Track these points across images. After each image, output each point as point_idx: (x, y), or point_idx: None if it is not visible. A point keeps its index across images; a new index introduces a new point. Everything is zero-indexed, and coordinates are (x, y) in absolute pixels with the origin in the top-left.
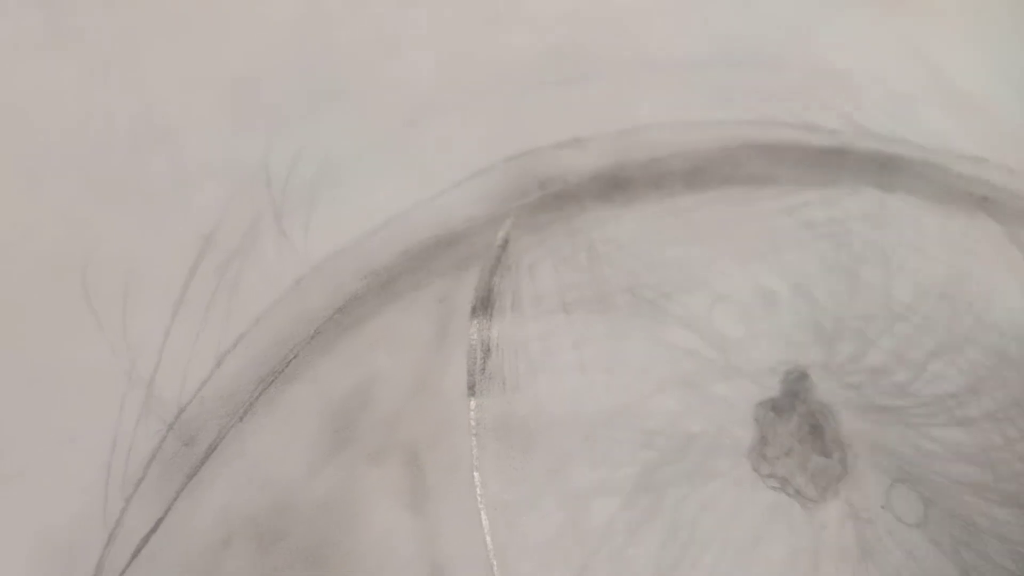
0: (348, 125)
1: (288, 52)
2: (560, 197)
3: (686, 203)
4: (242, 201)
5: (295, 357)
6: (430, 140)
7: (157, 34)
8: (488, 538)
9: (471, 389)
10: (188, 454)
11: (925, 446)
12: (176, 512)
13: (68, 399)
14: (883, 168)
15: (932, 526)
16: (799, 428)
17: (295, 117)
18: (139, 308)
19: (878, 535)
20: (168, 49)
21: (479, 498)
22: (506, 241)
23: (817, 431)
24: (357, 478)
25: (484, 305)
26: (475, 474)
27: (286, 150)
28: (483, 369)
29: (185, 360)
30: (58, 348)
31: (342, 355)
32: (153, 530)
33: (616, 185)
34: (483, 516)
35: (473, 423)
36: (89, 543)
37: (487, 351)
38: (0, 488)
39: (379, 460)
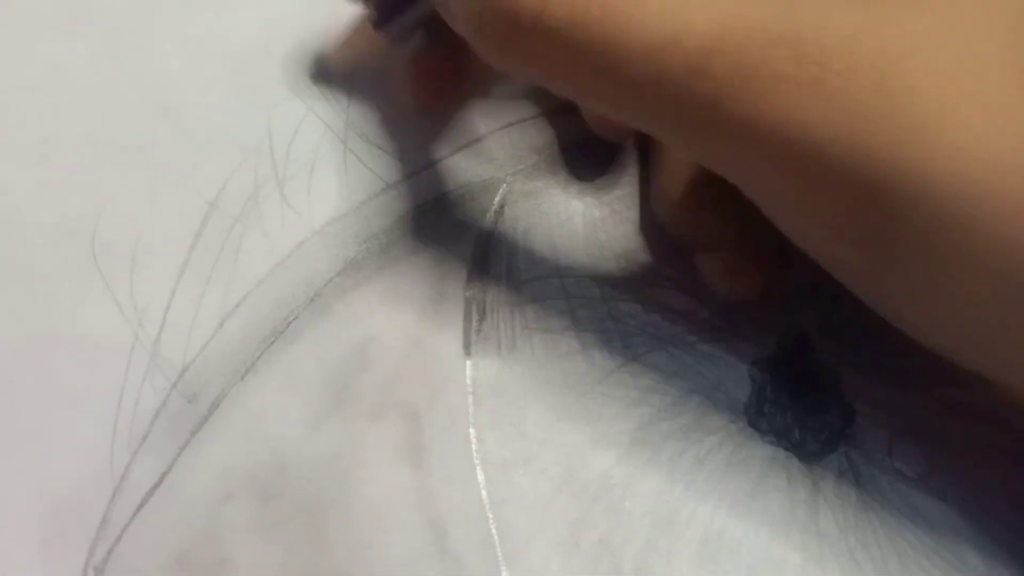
0: (349, 96)
1: (292, 24)
2: (556, 163)
3: None
4: (246, 169)
5: (295, 319)
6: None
7: (164, 10)
8: (484, 493)
9: (467, 349)
10: (191, 411)
11: (927, 404)
12: (179, 467)
13: (78, 358)
14: None
15: (936, 481)
16: (797, 385)
17: (298, 87)
18: (146, 271)
19: (879, 488)
20: (175, 24)
21: (475, 454)
22: (502, 207)
23: (816, 388)
24: (355, 436)
25: (480, 269)
26: (471, 431)
27: (289, 119)
28: (479, 330)
29: (189, 321)
30: (69, 310)
31: (341, 317)
32: (157, 484)
33: (612, 151)
34: (479, 472)
35: (469, 382)
36: (95, 497)
37: (483, 313)
38: (11, 444)
39: (377, 418)
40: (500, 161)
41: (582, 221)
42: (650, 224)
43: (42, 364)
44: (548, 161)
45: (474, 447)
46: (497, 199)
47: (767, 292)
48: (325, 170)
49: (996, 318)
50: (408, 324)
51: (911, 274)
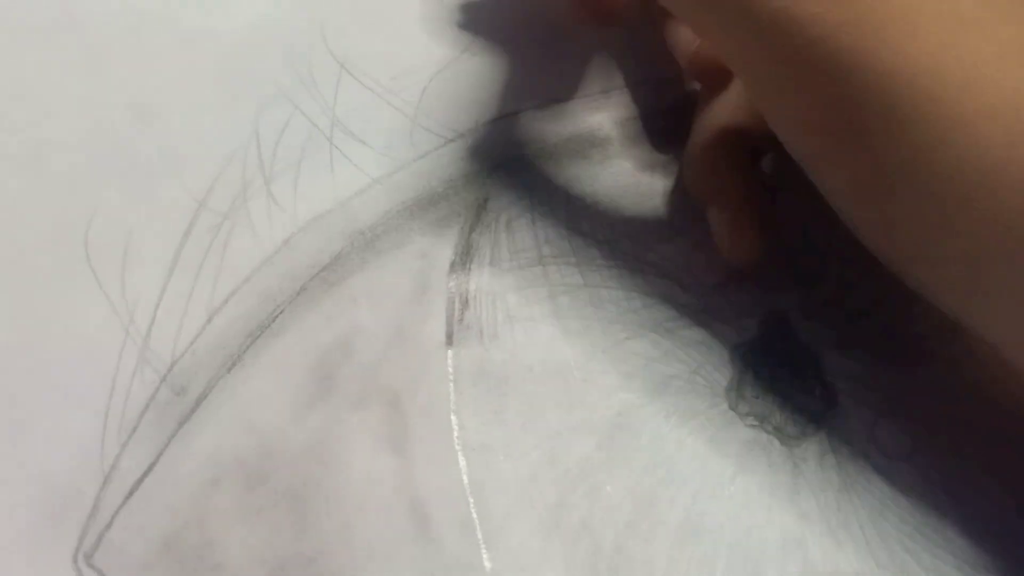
0: (335, 94)
1: (276, 27)
2: (539, 157)
3: (663, 159)
4: (234, 168)
5: (281, 312)
6: (413, 108)
7: (151, 15)
8: (465, 477)
9: (449, 339)
10: (180, 403)
11: (911, 383)
12: (168, 456)
13: (71, 353)
14: None
15: (920, 459)
16: (778, 368)
17: (284, 87)
18: (137, 268)
19: (862, 468)
20: (162, 29)
21: (456, 440)
22: (485, 200)
23: (797, 370)
24: (339, 423)
25: (463, 260)
26: (452, 417)
27: (276, 118)
28: (461, 320)
29: (179, 316)
30: (62, 307)
31: (326, 309)
32: (146, 473)
33: (594, 144)
34: (460, 457)
35: (451, 370)
36: (86, 486)
37: (465, 303)
38: (6, 435)
39: (360, 406)
40: (484, 155)
41: (564, 212)
42: (636, 208)
43: (37, 359)
44: (532, 155)
45: (455, 433)
46: (481, 193)
47: (759, 264)
48: (312, 167)
49: (942, 239)
50: (391, 315)
51: (872, 169)
